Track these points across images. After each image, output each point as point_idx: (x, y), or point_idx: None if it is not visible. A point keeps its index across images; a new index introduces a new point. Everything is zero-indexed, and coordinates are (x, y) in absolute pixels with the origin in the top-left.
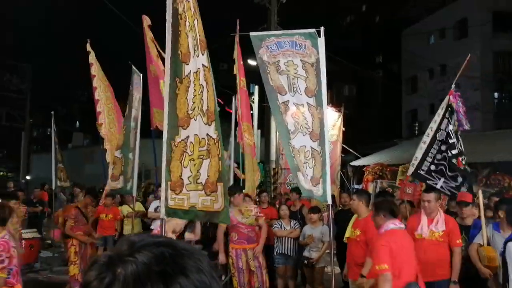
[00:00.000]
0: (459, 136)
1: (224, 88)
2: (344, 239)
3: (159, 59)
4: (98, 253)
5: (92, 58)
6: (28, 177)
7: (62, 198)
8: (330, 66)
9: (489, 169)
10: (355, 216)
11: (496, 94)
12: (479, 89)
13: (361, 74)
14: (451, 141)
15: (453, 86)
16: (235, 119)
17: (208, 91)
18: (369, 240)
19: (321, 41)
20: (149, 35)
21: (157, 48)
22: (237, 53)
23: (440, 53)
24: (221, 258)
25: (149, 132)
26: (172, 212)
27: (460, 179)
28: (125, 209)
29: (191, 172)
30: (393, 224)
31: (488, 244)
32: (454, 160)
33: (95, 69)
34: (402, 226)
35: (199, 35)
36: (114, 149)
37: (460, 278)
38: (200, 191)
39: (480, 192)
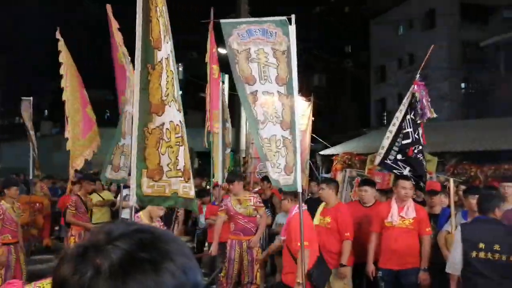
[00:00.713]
0: (418, 125)
1: (193, 77)
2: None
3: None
4: (66, 243)
5: (61, 46)
6: None
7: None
8: (301, 55)
9: (457, 159)
10: (323, 204)
11: (463, 85)
12: (447, 79)
13: (330, 63)
14: (405, 130)
15: (417, 76)
16: (222, 107)
17: (175, 78)
18: (342, 227)
19: (292, 29)
20: (114, 25)
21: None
22: (210, 40)
23: (408, 43)
24: (213, 249)
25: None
26: (148, 200)
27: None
28: (95, 197)
29: (170, 159)
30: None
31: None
32: (406, 150)
33: (63, 56)
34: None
35: (166, 21)
36: (76, 138)
37: (429, 266)
38: (180, 177)
39: (451, 180)
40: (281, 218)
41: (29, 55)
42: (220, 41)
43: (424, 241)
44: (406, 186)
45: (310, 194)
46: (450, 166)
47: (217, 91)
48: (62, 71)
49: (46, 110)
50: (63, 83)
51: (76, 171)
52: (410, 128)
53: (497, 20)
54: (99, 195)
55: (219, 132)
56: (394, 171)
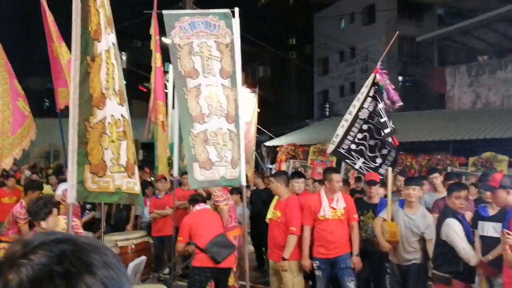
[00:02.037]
0: (389, 114)
1: (137, 66)
2: (266, 219)
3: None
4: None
5: None
6: None
7: None
8: (245, 47)
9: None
10: (276, 197)
11: (400, 78)
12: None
13: (275, 55)
14: (382, 120)
15: (379, 64)
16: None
17: (118, 70)
18: (288, 220)
19: (236, 21)
20: (49, 16)
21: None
22: (154, 30)
23: (350, 36)
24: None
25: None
26: (93, 196)
27: (379, 161)
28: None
29: (113, 154)
30: (198, 206)
31: (392, 220)
32: (389, 139)
33: None
34: (205, 206)
35: (108, 12)
36: (5, 135)
37: (367, 253)
38: (123, 173)
39: (390, 170)
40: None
41: None
42: (165, 30)
43: (353, 228)
44: (340, 180)
45: (255, 186)
46: None
47: (161, 80)
48: None
49: None
50: None
51: (4, 170)
52: (385, 117)
53: (431, 17)
54: None
55: (172, 122)
56: (346, 160)
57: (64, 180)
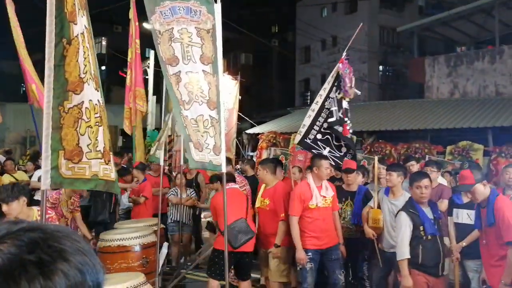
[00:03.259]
0: (344, 104)
1: (117, 52)
2: (255, 208)
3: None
4: None
5: None
6: None
7: None
8: (227, 34)
9: (373, 137)
10: (264, 185)
11: (381, 67)
12: (366, 61)
13: (257, 42)
14: (331, 108)
15: (344, 54)
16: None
17: (92, 54)
18: (278, 207)
19: (218, 7)
20: (11, 10)
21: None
22: (133, 14)
23: (332, 25)
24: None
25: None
26: (68, 182)
27: (344, 150)
28: (7, 178)
29: (90, 140)
30: (227, 186)
31: (379, 207)
32: (337, 128)
33: None
34: (234, 186)
35: None
36: None
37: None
38: (100, 159)
39: (376, 158)
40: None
41: None
42: (146, 15)
43: (336, 216)
44: (329, 166)
45: (243, 173)
46: (367, 145)
47: (141, 67)
48: None
49: None
50: None
51: None
52: (335, 106)
53: (412, 7)
54: (12, 176)
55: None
56: (313, 150)
57: (40, 166)
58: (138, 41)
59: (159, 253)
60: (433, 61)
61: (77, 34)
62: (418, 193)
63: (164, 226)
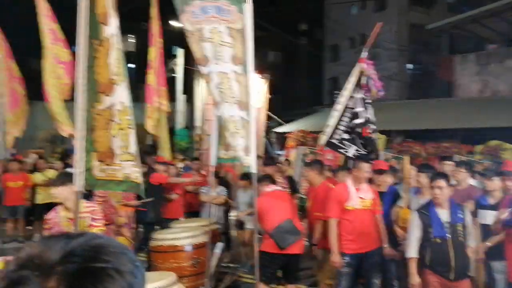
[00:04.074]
0: (369, 105)
1: (145, 50)
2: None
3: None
4: (8, 225)
5: None
6: None
7: None
8: (255, 32)
9: (402, 137)
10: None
11: (410, 65)
12: (395, 60)
13: (286, 41)
14: (356, 110)
15: (365, 54)
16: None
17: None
18: (314, 208)
19: (248, 6)
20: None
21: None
22: (155, 12)
23: (360, 23)
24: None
25: None
26: (100, 184)
27: (369, 148)
28: (38, 177)
29: (122, 142)
30: (269, 188)
31: (408, 207)
32: (359, 129)
33: None
34: (277, 188)
35: None
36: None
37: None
38: (132, 161)
39: (407, 158)
40: (241, 194)
41: None
42: (175, 13)
43: (378, 219)
44: (368, 169)
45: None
46: (396, 144)
47: (163, 66)
48: None
49: None
50: None
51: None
52: (361, 107)
53: (441, 5)
54: (43, 175)
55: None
56: (339, 150)
57: (70, 165)
58: (161, 40)
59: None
60: (462, 59)
61: (108, 36)
62: (433, 193)
63: (219, 226)
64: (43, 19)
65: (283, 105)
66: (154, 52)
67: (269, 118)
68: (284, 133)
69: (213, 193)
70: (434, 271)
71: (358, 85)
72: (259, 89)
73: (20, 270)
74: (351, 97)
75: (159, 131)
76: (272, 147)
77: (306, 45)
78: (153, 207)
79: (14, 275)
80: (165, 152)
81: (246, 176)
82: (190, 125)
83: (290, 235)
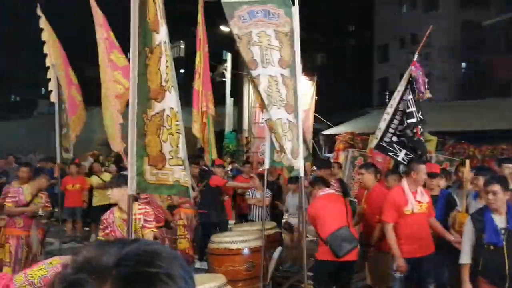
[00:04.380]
0: (419, 106)
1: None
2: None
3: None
4: (67, 226)
5: (42, 22)
6: None
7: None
8: (302, 34)
9: (455, 138)
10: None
11: (463, 65)
12: (447, 59)
13: (333, 42)
14: (408, 110)
15: (415, 56)
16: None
17: (172, 63)
18: (372, 211)
19: (295, 9)
20: (97, 11)
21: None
22: (200, 18)
23: (411, 23)
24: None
25: None
26: (153, 188)
27: (419, 152)
28: (94, 180)
29: (172, 147)
30: (322, 192)
31: (467, 211)
32: (408, 131)
33: (46, 34)
34: (330, 191)
35: (160, 3)
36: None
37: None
38: (181, 166)
39: (468, 162)
40: (290, 197)
41: (20, 29)
42: (224, 18)
43: (434, 221)
44: (425, 171)
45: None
46: (449, 146)
47: (208, 70)
48: (45, 49)
49: (42, 88)
50: (48, 62)
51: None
52: (414, 107)
53: (498, 0)
54: (99, 177)
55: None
56: (389, 153)
57: (124, 168)
58: (206, 44)
59: (269, 257)
60: None
61: (159, 43)
62: (486, 198)
63: (280, 230)
64: (99, 27)
65: (331, 107)
66: (200, 57)
67: (317, 120)
68: (333, 135)
69: (258, 196)
70: (487, 279)
71: (410, 87)
72: (306, 91)
73: (77, 273)
74: (402, 99)
75: (206, 134)
76: (320, 150)
77: (354, 46)
78: (215, 209)
79: (71, 278)
80: (212, 155)
81: (294, 179)
82: (238, 128)
83: (347, 243)
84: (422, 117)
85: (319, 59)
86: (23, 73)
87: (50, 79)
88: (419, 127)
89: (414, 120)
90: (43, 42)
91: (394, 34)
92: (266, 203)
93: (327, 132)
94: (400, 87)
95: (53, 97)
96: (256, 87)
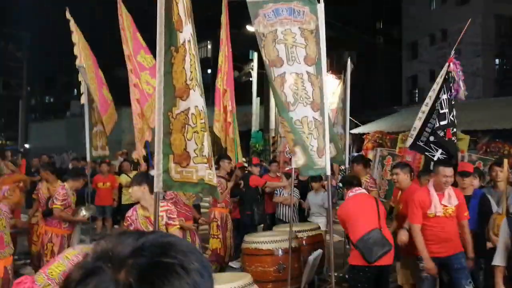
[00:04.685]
0: (453, 106)
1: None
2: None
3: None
4: (97, 224)
5: (72, 25)
6: (26, 146)
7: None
8: (329, 32)
9: (489, 137)
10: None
11: (497, 61)
12: (480, 55)
13: (361, 40)
14: (442, 111)
15: (452, 53)
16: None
17: (196, 61)
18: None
19: (321, 7)
20: (124, 12)
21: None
22: (224, 18)
23: (441, 18)
24: None
25: None
26: (177, 185)
27: (451, 152)
28: (124, 178)
29: (197, 145)
30: (351, 192)
31: (508, 213)
32: (441, 132)
33: (75, 37)
34: (361, 191)
35: (187, 2)
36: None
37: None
38: (205, 164)
39: (506, 161)
40: (312, 196)
41: (53, 33)
42: (250, 18)
43: (464, 226)
44: (447, 174)
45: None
46: (482, 145)
47: (232, 70)
48: (75, 51)
49: (75, 90)
50: (77, 63)
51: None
52: (446, 109)
53: None
54: (128, 176)
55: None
56: (426, 153)
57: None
58: (229, 44)
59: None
60: None
61: (183, 42)
62: None
63: (322, 232)
64: (125, 29)
65: (359, 105)
66: (222, 57)
67: None
68: (361, 134)
69: (286, 195)
70: None
71: (445, 85)
72: (334, 90)
73: (95, 261)
74: (438, 98)
75: (231, 133)
76: (348, 149)
77: (382, 44)
78: (257, 208)
79: (89, 266)
80: (238, 154)
81: (318, 178)
82: (265, 128)
83: (378, 246)
84: (453, 119)
85: (347, 57)
86: (58, 75)
87: (81, 81)
88: (450, 129)
89: (445, 122)
90: (73, 44)
91: (423, 31)
92: (294, 201)
93: (355, 131)
94: (436, 85)
95: (83, 99)
96: (274, 89)
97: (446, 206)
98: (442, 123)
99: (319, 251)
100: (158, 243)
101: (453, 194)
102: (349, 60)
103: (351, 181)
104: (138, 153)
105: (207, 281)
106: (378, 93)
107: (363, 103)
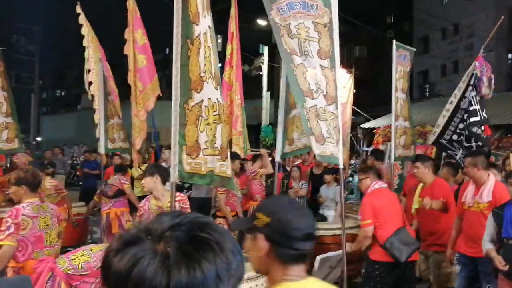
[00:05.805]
0: (484, 104)
1: (243, 50)
2: (413, 211)
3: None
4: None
5: (82, 19)
6: (38, 139)
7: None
8: (340, 27)
9: (501, 132)
10: (420, 185)
11: (509, 55)
12: (493, 49)
13: (372, 34)
14: (471, 108)
15: (481, 52)
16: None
17: (213, 53)
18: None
19: (334, 1)
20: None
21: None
22: (234, 12)
23: (453, 12)
24: None
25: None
26: (188, 176)
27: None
28: (135, 171)
29: (208, 137)
30: (377, 184)
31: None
32: (475, 129)
33: (85, 30)
34: (385, 185)
35: None
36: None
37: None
38: (217, 156)
39: None
40: (324, 189)
41: (64, 27)
42: (261, 12)
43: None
44: (467, 165)
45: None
46: (494, 140)
47: (240, 64)
48: (85, 43)
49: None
50: (86, 54)
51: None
52: (477, 105)
53: None
54: (140, 169)
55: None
56: (448, 151)
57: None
58: (237, 37)
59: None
60: None
61: (199, 34)
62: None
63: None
64: (130, 25)
65: (370, 99)
66: (230, 50)
67: (355, 113)
68: (372, 128)
69: (295, 186)
70: (506, 275)
71: (472, 84)
72: (344, 84)
73: (136, 233)
74: (464, 97)
75: (240, 127)
76: (358, 143)
77: (394, 38)
78: None
79: (129, 237)
80: (246, 146)
81: (331, 171)
82: (275, 122)
83: (407, 246)
84: (486, 116)
85: (358, 51)
86: (69, 68)
87: (89, 70)
88: (488, 125)
89: (477, 118)
90: (83, 37)
91: (435, 25)
92: (302, 193)
93: (366, 125)
94: (462, 84)
95: (94, 90)
96: (295, 77)
97: (478, 201)
98: (473, 119)
99: (333, 253)
100: (196, 220)
101: (489, 190)
102: None
103: (372, 170)
104: (134, 148)
105: (240, 261)
106: (389, 87)
107: (374, 97)
